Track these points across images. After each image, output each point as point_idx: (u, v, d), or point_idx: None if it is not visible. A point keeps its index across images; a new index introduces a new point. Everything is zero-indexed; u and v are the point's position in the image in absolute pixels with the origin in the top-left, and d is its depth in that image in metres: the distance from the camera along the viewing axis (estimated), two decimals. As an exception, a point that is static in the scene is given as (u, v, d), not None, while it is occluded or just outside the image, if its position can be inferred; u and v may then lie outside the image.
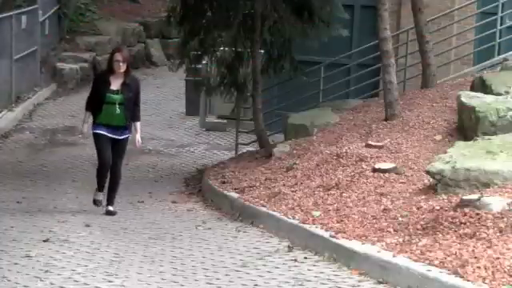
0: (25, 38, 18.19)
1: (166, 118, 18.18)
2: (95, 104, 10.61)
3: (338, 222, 8.05)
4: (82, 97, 19.33)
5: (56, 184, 12.02)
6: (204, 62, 14.81)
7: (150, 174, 13.07)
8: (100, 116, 10.52)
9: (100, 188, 10.78)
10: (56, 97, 19.32)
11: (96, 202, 10.66)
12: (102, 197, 10.72)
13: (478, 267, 6.06)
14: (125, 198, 11.21)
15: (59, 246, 8.33)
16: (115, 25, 23.61)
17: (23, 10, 18.55)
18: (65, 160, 14.11)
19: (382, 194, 8.58)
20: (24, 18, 18.20)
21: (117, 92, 10.50)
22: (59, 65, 20.36)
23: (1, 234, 8.82)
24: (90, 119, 10.69)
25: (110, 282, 7.02)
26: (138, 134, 10.77)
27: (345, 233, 7.69)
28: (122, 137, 10.60)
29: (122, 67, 10.51)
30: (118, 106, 10.45)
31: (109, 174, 10.66)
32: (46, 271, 7.30)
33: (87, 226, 9.42)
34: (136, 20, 25.09)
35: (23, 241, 8.50)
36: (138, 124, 10.81)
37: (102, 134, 10.48)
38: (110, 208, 10.52)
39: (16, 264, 7.55)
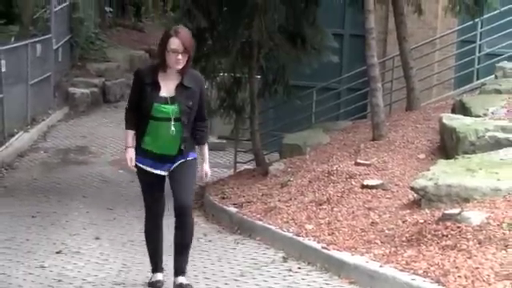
0: (40, 64, 18.22)
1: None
2: (138, 120, 6.61)
3: (329, 235, 8.04)
4: (92, 119, 19.54)
5: (68, 200, 11.98)
6: (205, 86, 14.82)
7: (156, 191, 12.99)
8: (144, 139, 6.58)
9: (156, 267, 6.98)
10: (68, 119, 19.31)
11: (154, 285, 6.92)
12: (162, 276, 6.96)
13: (459, 276, 6.05)
14: (131, 212, 11.17)
15: (71, 257, 8.30)
16: (123, 52, 23.68)
17: (38, 38, 18.59)
18: (76, 177, 14.08)
19: (369, 209, 8.56)
20: (39, 46, 18.22)
21: (171, 101, 6.45)
22: (71, 89, 20.37)
23: (17, 246, 8.80)
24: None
25: (118, 290, 7.01)
26: (206, 163, 6.82)
27: (336, 244, 7.68)
28: (178, 162, 6.62)
29: (182, 61, 6.40)
30: (173, 122, 6.47)
31: (174, 224, 6.72)
32: (59, 281, 7.28)
33: (97, 238, 9.38)
34: (142, 48, 25.20)
35: (37, 252, 8.48)
36: (206, 148, 6.82)
37: (146, 171, 6.66)
38: (182, 280, 6.71)
39: (31, 274, 7.53)
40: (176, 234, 6.74)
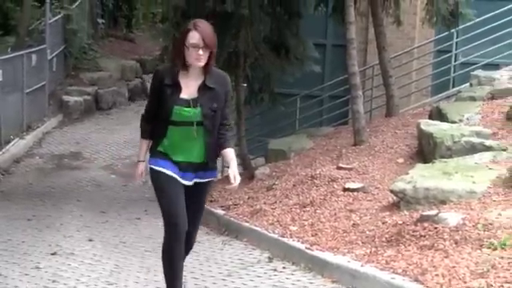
0: (35, 74, 18.14)
1: (161, 144, 18.08)
2: (155, 124, 5.78)
3: (312, 236, 8.04)
4: (86, 126, 19.49)
5: (62, 203, 11.94)
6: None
7: (146, 194, 12.98)
8: (162, 145, 5.73)
9: None
10: (62, 126, 19.24)
11: None
12: None
13: (437, 275, 6.06)
14: (123, 215, 11.15)
15: (65, 258, 8.28)
16: (115, 62, 23.62)
17: (34, 49, 18.51)
18: (70, 182, 14.03)
19: (351, 211, 8.57)
20: (34, 57, 18.15)
21: (193, 103, 5.63)
22: (65, 97, 20.29)
23: (13, 248, 8.76)
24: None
25: (110, 290, 7.00)
26: (234, 165, 5.81)
27: (319, 245, 7.68)
28: (201, 180, 5.86)
29: (203, 57, 5.58)
30: (195, 127, 5.64)
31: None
32: (54, 281, 7.26)
33: (90, 240, 9.36)
34: (133, 58, 25.16)
35: (33, 254, 8.44)
36: (232, 152, 5.87)
37: (166, 175, 5.69)
38: None
39: (26, 275, 7.50)
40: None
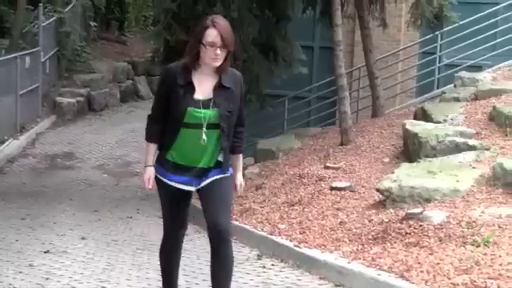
0: (28, 75, 18.10)
1: (152, 144, 18.06)
2: (165, 126, 5.24)
3: (300, 234, 8.04)
4: (78, 127, 19.45)
5: (56, 203, 11.92)
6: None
7: (138, 193, 12.98)
8: (172, 149, 5.22)
9: (166, 285, 5.65)
10: (55, 127, 19.20)
11: None
12: None
13: (422, 271, 6.07)
14: (115, 214, 11.14)
15: (58, 256, 8.26)
16: (107, 64, 23.60)
17: (27, 51, 18.47)
18: (63, 182, 14.00)
19: (338, 209, 8.57)
20: (28, 59, 18.11)
21: (208, 104, 5.14)
22: (58, 99, 20.26)
23: (7, 246, 8.73)
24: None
25: (102, 287, 6.96)
26: (240, 173, 5.59)
27: (307, 243, 7.68)
28: (212, 177, 5.27)
29: (220, 57, 5.12)
30: (205, 130, 5.12)
31: (211, 252, 5.35)
32: (47, 279, 7.24)
33: (83, 238, 9.34)
34: (125, 60, 25.17)
35: (27, 252, 8.42)
36: (241, 159, 5.62)
37: (171, 188, 5.30)
38: None
39: (20, 272, 7.48)
40: (214, 264, 5.34)
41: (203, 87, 5.16)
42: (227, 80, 5.21)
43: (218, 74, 5.19)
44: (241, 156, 5.58)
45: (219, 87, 5.17)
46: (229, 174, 5.38)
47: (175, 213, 5.47)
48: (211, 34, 5.06)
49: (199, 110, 5.11)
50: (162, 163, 5.30)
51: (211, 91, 5.16)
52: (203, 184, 5.27)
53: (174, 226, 5.50)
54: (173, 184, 5.28)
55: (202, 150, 5.19)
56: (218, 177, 5.28)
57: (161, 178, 5.31)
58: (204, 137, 5.12)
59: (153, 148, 5.32)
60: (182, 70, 5.17)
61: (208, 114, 5.12)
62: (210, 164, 5.25)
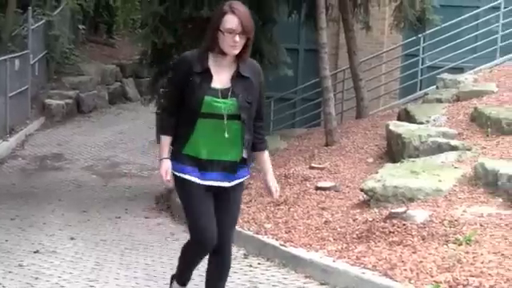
0: (18, 78, 18.03)
1: (140, 145, 18.06)
2: (179, 118, 4.83)
3: (286, 233, 8.03)
4: (67, 128, 19.40)
5: (45, 203, 11.86)
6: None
7: (126, 194, 12.95)
8: (189, 142, 4.79)
9: (182, 280, 5.34)
10: (45, 128, 19.14)
11: None
12: None
13: (405, 269, 6.08)
14: (104, 214, 11.09)
15: (48, 256, 8.22)
16: (95, 66, 23.55)
17: (16, 54, 18.40)
18: (52, 183, 13.95)
19: (323, 209, 8.57)
20: (17, 62, 18.04)
21: (226, 94, 4.76)
22: (47, 101, 20.19)
23: (-3, 246, 8.71)
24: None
25: (91, 286, 6.93)
26: (271, 174, 5.21)
27: (292, 242, 7.67)
28: (232, 183, 4.91)
29: (239, 44, 4.73)
30: (226, 121, 4.74)
31: (209, 258, 5.15)
32: (36, 278, 7.20)
33: (72, 238, 9.30)
34: (113, 62, 25.11)
35: (16, 252, 8.37)
36: (268, 156, 5.18)
37: (193, 184, 4.81)
38: None
39: (10, 272, 7.44)
40: (211, 271, 5.17)
41: (221, 76, 4.77)
42: (246, 70, 4.84)
43: (237, 63, 4.82)
44: (267, 153, 5.14)
45: (237, 76, 4.80)
46: (246, 178, 5.05)
47: (205, 219, 4.82)
48: (229, 21, 4.68)
49: (218, 100, 4.72)
50: (179, 159, 4.84)
51: (229, 80, 4.78)
52: (233, 183, 4.91)
53: (204, 234, 4.84)
54: (194, 180, 4.79)
55: (226, 143, 4.79)
56: (236, 182, 4.93)
57: (179, 174, 4.85)
58: (226, 128, 4.73)
59: (168, 141, 4.87)
60: (198, 58, 4.79)
61: (228, 104, 4.74)
62: (237, 158, 4.86)
